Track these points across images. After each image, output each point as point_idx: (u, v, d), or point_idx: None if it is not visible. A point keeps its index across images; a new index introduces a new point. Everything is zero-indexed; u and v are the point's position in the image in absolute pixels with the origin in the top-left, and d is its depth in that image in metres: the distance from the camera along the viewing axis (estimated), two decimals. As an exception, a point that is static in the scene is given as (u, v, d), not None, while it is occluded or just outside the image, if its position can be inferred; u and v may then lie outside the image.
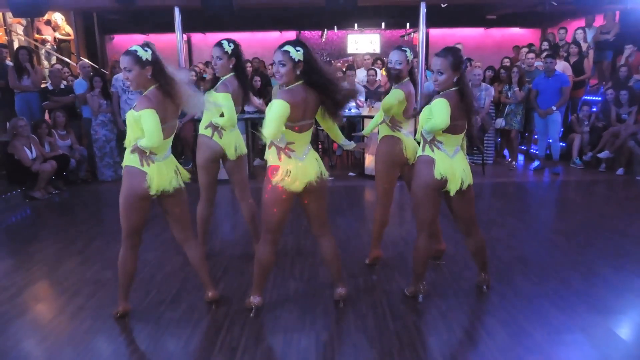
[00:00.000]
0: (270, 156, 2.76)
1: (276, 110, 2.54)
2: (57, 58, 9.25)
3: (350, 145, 3.21)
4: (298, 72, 2.63)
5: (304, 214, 2.98)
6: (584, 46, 8.03)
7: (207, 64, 9.05)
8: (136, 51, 2.63)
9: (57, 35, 9.58)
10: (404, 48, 3.37)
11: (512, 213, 5.13)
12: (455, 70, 2.80)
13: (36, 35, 9.38)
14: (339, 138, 3.12)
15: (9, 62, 7.12)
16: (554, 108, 6.71)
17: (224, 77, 3.54)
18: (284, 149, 2.70)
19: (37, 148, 6.11)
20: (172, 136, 2.86)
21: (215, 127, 3.55)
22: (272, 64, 2.70)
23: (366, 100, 7.37)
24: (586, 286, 3.32)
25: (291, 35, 12.52)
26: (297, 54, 2.60)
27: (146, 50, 2.65)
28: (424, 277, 3.14)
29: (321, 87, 2.67)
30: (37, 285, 3.64)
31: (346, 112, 7.33)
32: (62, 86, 7.09)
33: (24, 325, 3.01)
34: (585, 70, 7.71)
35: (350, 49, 12.57)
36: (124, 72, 2.67)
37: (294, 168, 2.71)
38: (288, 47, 2.61)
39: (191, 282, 3.47)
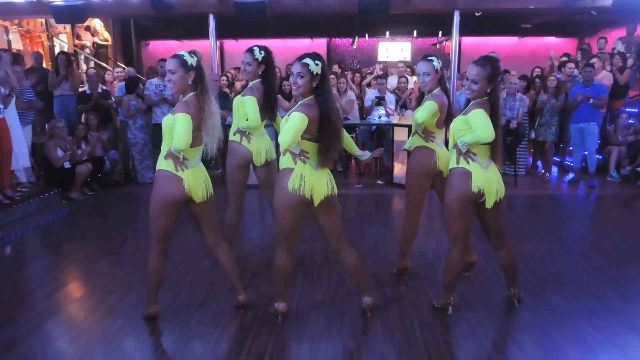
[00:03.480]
0: (285, 160, 2.77)
1: (295, 122, 2.58)
2: (95, 63, 9.54)
3: (365, 155, 3.18)
4: (314, 85, 2.67)
5: (320, 231, 2.97)
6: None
7: (238, 69, 9.21)
8: (183, 56, 2.74)
9: (96, 40, 9.89)
10: (430, 57, 3.27)
11: (545, 226, 5.00)
12: (491, 81, 2.76)
13: (76, 41, 9.70)
14: (354, 149, 3.11)
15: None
16: (590, 96, 6.51)
17: (252, 82, 3.58)
18: (298, 154, 2.72)
19: (73, 150, 6.29)
20: (203, 145, 2.90)
21: (242, 132, 3.59)
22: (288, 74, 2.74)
23: (396, 108, 7.33)
24: (624, 304, 3.20)
25: (322, 43, 12.59)
26: (315, 67, 2.64)
27: (192, 57, 2.75)
28: (455, 290, 3.08)
29: (325, 131, 2.69)
30: (72, 284, 3.74)
31: (375, 119, 7.31)
32: (99, 90, 7.29)
33: (58, 323, 3.09)
34: (620, 81, 7.48)
35: (381, 57, 12.54)
36: (168, 73, 2.76)
37: (309, 174, 2.72)
38: (307, 60, 2.64)
39: (220, 286, 3.50)
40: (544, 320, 2.99)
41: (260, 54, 3.51)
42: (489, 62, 2.75)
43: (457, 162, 2.84)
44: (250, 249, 4.37)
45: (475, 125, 2.70)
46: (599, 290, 3.42)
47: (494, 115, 2.77)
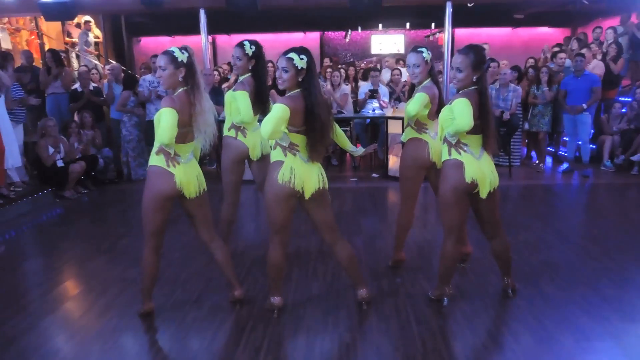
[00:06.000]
0: (275, 153, 2.77)
1: (275, 113, 2.57)
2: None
3: (359, 151, 3.18)
4: (300, 79, 2.66)
5: (313, 225, 2.97)
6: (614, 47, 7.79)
7: (230, 64, 9.16)
8: (173, 52, 2.72)
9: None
10: (420, 49, 3.26)
11: (540, 216, 5.02)
12: (476, 69, 2.75)
13: (66, 39, 9.61)
14: (347, 145, 3.10)
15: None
16: (584, 106, 6.54)
17: (242, 77, 3.57)
18: (288, 147, 2.71)
19: (66, 148, 6.25)
20: (196, 142, 2.88)
21: (238, 128, 3.57)
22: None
23: (390, 100, 7.32)
24: (617, 292, 3.22)
25: (315, 36, 12.54)
26: (300, 62, 2.62)
27: (183, 53, 2.73)
28: (450, 281, 3.09)
29: (315, 127, 2.68)
30: (67, 282, 3.72)
31: (369, 113, 7.30)
32: (90, 88, 7.24)
33: (54, 322, 3.08)
34: (614, 71, 7.49)
35: (374, 50, 12.50)
36: (158, 70, 2.75)
37: (299, 167, 2.71)
38: (292, 55, 2.63)
39: (215, 282, 3.49)
40: (539, 310, 3.01)
41: (251, 48, 3.49)
42: (472, 50, 2.75)
43: (449, 154, 2.84)
44: (245, 244, 4.37)
45: (455, 113, 2.70)
46: (593, 279, 3.44)
47: (483, 105, 2.76)
